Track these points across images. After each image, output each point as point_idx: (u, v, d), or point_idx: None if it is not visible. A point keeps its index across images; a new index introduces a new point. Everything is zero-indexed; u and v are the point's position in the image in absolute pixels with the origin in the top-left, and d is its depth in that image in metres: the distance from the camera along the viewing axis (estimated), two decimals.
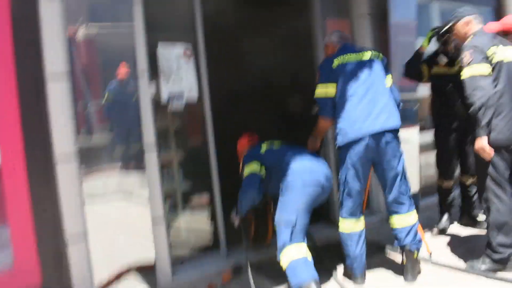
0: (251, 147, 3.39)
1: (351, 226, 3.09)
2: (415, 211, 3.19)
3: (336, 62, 3.06)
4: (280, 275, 3.07)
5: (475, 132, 2.97)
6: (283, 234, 2.84)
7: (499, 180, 3.04)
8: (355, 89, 2.98)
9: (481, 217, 4.08)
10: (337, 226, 3.19)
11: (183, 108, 3.50)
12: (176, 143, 3.59)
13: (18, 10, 2.87)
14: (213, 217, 3.69)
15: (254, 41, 4.13)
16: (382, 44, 4.41)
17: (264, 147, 3.29)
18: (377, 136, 2.93)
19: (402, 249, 3.15)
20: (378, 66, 3.12)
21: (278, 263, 2.91)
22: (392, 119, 3.01)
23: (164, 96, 3.40)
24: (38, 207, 2.97)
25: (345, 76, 3.02)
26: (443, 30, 3.59)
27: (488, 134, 2.95)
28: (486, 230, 3.27)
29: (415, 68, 3.96)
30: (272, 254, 3.56)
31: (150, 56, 3.23)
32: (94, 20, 3.09)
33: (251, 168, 3.12)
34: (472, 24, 3.21)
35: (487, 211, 3.12)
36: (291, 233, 2.80)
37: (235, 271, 3.43)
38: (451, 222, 4.16)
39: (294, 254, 2.78)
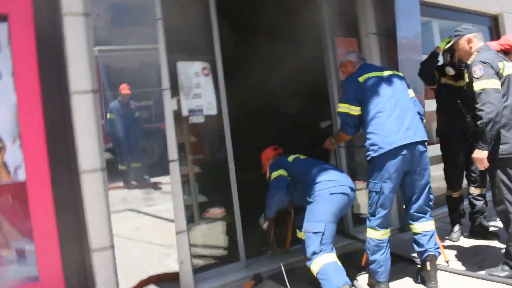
0: (277, 158, 3.52)
1: (381, 234, 3.16)
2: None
3: (361, 79, 3.20)
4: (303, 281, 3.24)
5: (479, 143, 3.02)
6: (312, 242, 2.91)
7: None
8: (383, 104, 3.10)
9: (493, 227, 4.21)
10: (347, 236, 3.23)
11: (203, 122, 3.62)
12: (196, 156, 3.69)
13: (42, 30, 3.00)
14: (232, 228, 3.75)
15: (268, 58, 4.28)
16: (390, 61, 4.59)
17: (291, 158, 3.43)
18: (411, 147, 3.05)
19: (422, 255, 3.22)
20: (400, 82, 3.27)
21: (300, 270, 2.98)
22: (420, 132, 3.14)
23: (184, 111, 3.52)
24: (63, 220, 3.03)
25: (372, 93, 3.15)
26: (446, 47, 3.74)
27: (497, 147, 3.03)
28: (497, 240, 3.30)
29: (430, 68, 4.08)
30: (293, 261, 3.68)
31: (171, 75, 3.36)
32: (118, 41, 3.22)
33: (279, 173, 3.25)
34: (473, 42, 3.30)
35: (506, 222, 3.15)
36: (321, 241, 2.88)
37: (256, 280, 3.49)
38: (462, 232, 4.25)
39: (324, 260, 2.85)
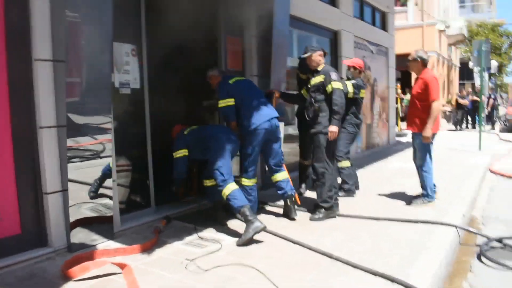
0: (180, 133, 4.60)
1: (254, 180, 4.58)
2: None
3: (231, 81, 4.61)
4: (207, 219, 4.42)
5: (333, 121, 4.48)
6: (218, 176, 4.11)
7: (330, 156, 4.66)
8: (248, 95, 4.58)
9: None
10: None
11: (129, 93, 4.47)
12: (123, 120, 4.47)
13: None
14: (146, 180, 4.68)
15: (180, 47, 5.16)
16: (265, 58, 5.91)
17: (187, 130, 4.55)
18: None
19: (284, 196, 4.67)
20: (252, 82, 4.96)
21: (203, 211, 4.22)
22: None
23: (116, 83, 4.30)
24: (21, 165, 3.56)
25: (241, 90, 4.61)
26: (303, 56, 5.00)
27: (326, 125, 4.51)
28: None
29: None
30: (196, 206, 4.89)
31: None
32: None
33: (179, 154, 4.47)
34: (322, 56, 4.75)
35: (323, 177, 4.63)
36: (223, 173, 4.08)
37: (167, 220, 4.52)
38: (306, 188, 5.94)
39: (233, 187, 4.05)
